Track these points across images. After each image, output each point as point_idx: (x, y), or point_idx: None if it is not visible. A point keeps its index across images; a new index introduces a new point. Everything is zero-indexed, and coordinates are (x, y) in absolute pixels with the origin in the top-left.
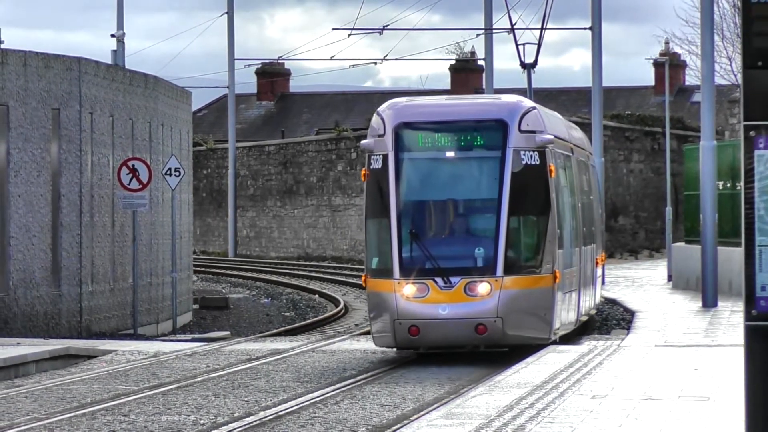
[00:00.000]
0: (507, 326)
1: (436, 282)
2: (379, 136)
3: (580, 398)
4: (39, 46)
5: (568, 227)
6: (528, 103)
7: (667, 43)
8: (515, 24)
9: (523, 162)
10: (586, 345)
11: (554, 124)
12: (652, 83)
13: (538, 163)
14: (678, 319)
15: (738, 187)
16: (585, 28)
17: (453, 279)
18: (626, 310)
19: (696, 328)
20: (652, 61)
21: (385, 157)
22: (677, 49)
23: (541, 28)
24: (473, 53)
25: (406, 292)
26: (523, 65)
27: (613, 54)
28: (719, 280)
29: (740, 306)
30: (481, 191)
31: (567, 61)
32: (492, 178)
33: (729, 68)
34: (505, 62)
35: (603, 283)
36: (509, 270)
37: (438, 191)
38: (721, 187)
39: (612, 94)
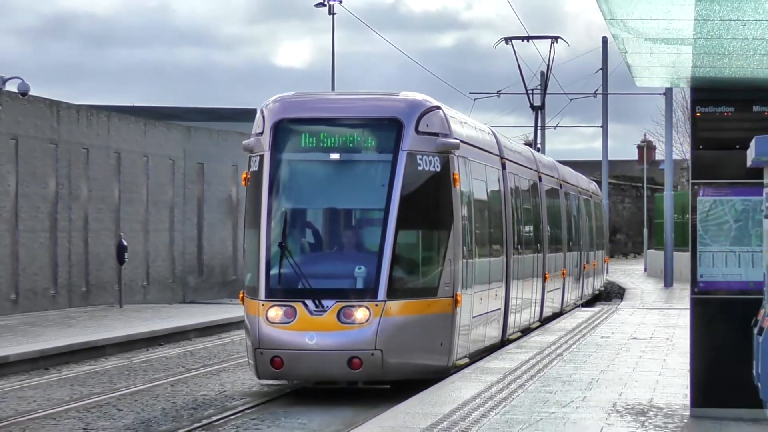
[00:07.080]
0: (388, 359)
1: (305, 305)
2: (259, 134)
3: (594, 338)
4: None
5: (488, 242)
6: (432, 102)
7: (645, 134)
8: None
9: (420, 168)
10: (598, 307)
11: (471, 130)
12: (636, 157)
13: (438, 169)
14: (650, 293)
15: (686, 218)
16: (597, 126)
17: (326, 302)
18: (620, 287)
19: (660, 298)
20: (636, 145)
21: (262, 158)
22: (651, 138)
23: (547, 71)
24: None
25: (270, 317)
26: (533, 107)
27: (617, 140)
28: (674, 271)
29: (687, 287)
30: (367, 200)
31: (593, 145)
32: (379, 184)
33: (681, 149)
34: (556, 145)
35: (606, 272)
36: (395, 293)
37: (317, 199)
38: (676, 218)
39: (613, 163)
